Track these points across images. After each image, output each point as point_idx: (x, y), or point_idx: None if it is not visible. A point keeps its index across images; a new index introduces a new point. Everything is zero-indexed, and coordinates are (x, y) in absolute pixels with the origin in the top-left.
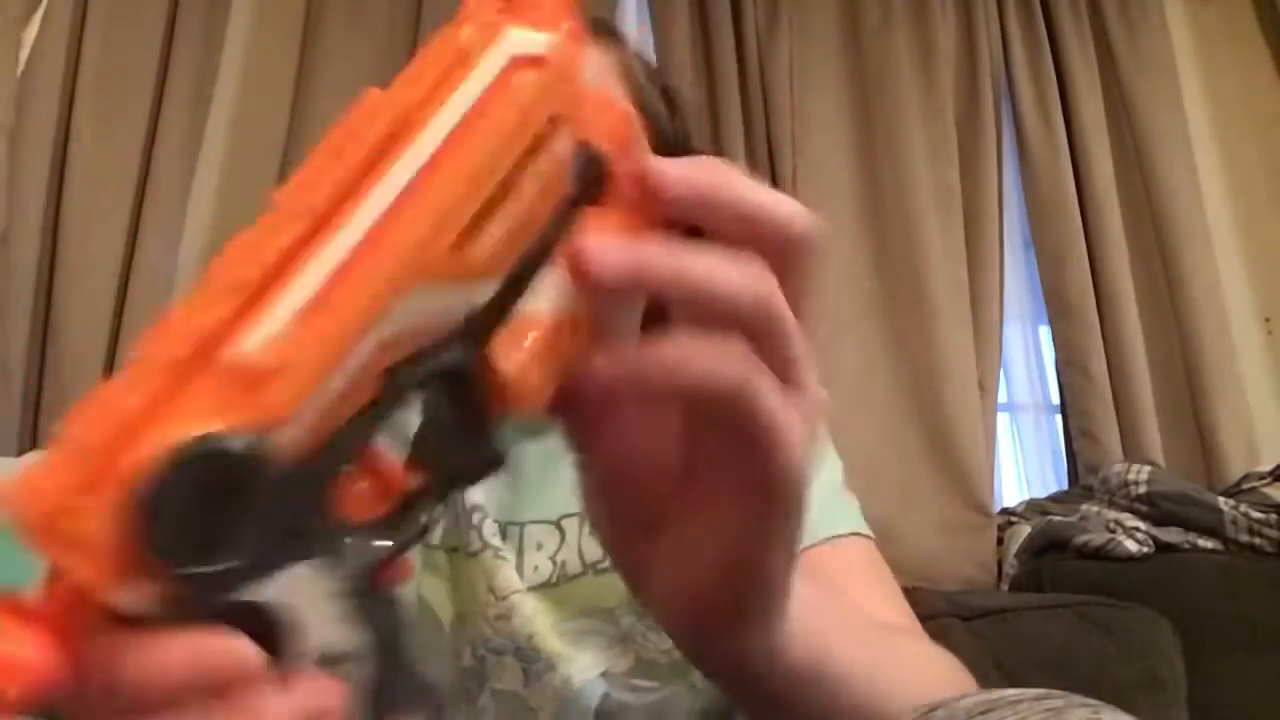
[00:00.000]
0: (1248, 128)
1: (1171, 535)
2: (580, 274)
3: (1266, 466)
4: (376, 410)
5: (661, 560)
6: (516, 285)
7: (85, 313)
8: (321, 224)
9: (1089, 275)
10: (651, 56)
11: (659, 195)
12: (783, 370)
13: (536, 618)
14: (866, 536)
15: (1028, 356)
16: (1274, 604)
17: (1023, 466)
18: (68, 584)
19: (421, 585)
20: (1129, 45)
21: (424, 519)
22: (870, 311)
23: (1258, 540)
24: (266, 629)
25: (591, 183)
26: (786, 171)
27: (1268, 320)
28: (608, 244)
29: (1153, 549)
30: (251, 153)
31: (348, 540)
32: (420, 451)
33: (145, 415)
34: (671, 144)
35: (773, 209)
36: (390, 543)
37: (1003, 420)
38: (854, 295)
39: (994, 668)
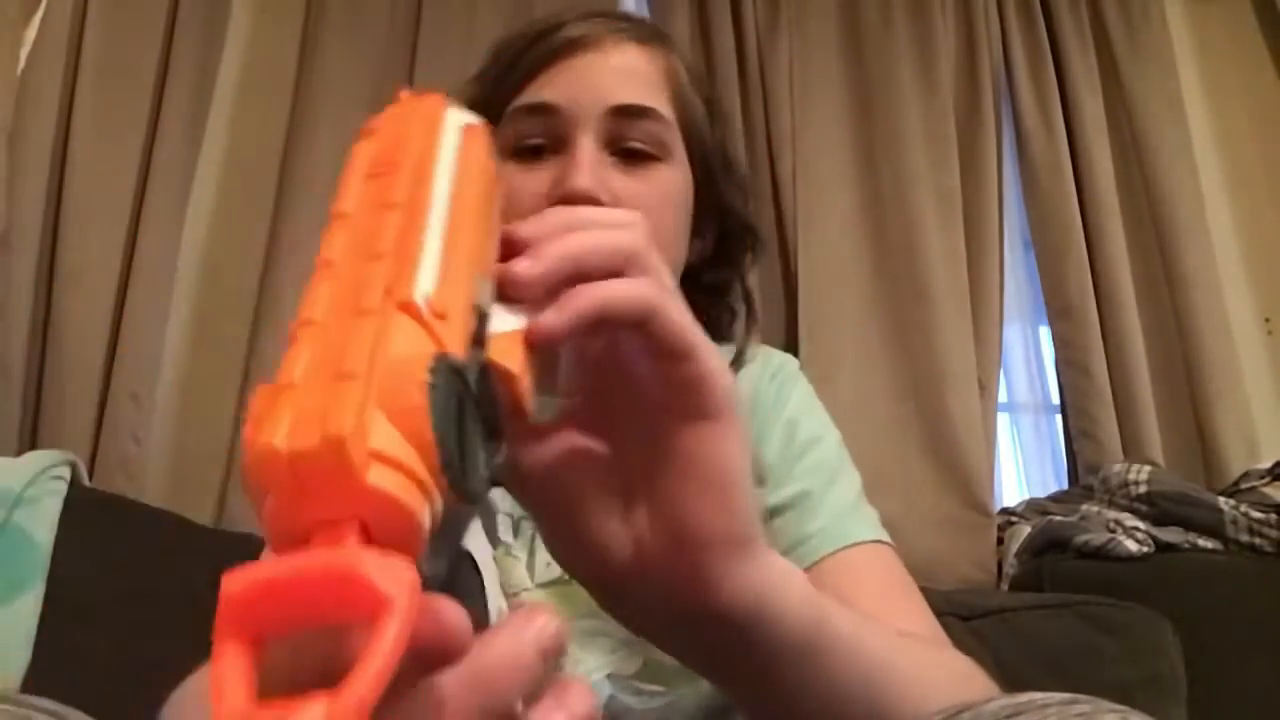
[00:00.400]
0: (1248, 128)
1: (1171, 535)
2: (508, 284)
3: (1266, 466)
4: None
5: (633, 524)
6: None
7: (85, 313)
8: (412, 213)
9: (1089, 275)
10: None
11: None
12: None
13: None
14: (887, 544)
15: (1028, 356)
16: (1274, 604)
17: (1023, 466)
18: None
19: None
20: (1129, 45)
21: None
22: (870, 311)
23: (1258, 540)
24: (466, 576)
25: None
26: (786, 171)
27: (1268, 320)
28: (557, 313)
29: (1153, 549)
30: (251, 153)
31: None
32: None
33: (371, 348)
34: (710, 151)
35: (596, 248)
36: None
37: (1003, 420)
38: (854, 295)
39: (994, 668)
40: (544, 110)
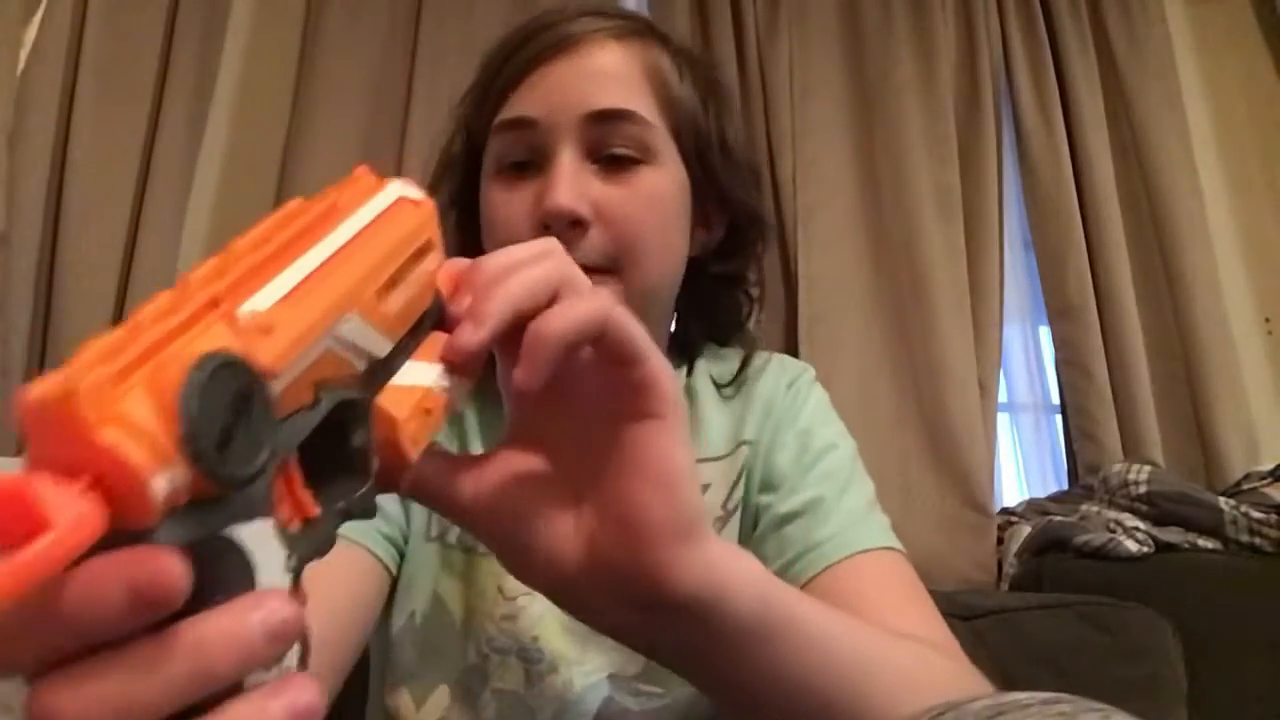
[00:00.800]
0: (1248, 128)
1: (1171, 535)
2: (453, 353)
3: (1266, 466)
4: (305, 416)
5: (582, 527)
6: (398, 354)
7: (85, 313)
8: (291, 247)
9: (1089, 275)
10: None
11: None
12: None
13: (546, 618)
14: (899, 551)
15: (1028, 356)
16: (1274, 604)
17: (1023, 466)
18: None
19: (439, 583)
20: (1129, 45)
21: (312, 544)
22: (870, 311)
23: (1258, 540)
24: (229, 569)
25: (437, 316)
26: (786, 171)
27: (1268, 320)
28: (459, 332)
29: (1153, 549)
30: (251, 152)
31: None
32: (315, 481)
33: (169, 339)
34: (706, 143)
35: (530, 289)
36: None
37: (1003, 420)
38: (854, 295)
39: (994, 668)
40: (521, 125)
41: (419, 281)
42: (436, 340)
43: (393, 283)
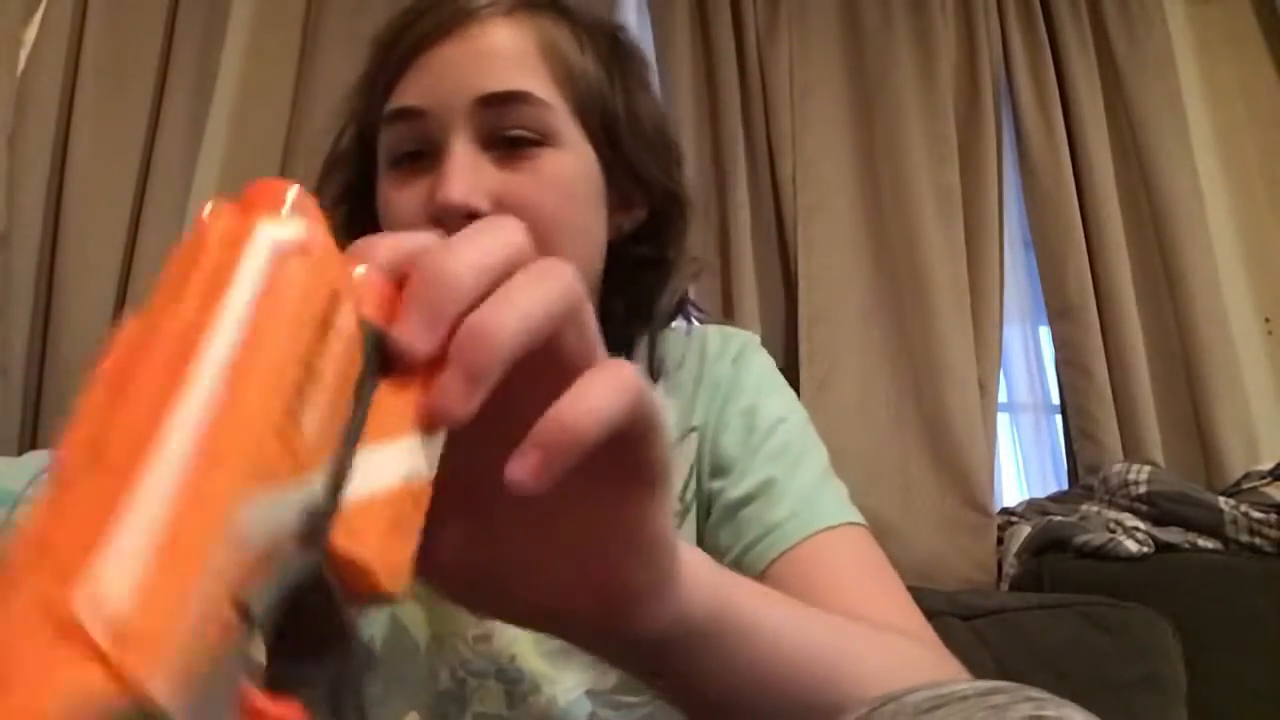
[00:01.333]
0: (1248, 128)
1: (1171, 535)
2: (438, 422)
3: (1266, 466)
4: (239, 651)
5: (553, 585)
6: (341, 470)
7: (85, 313)
8: (129, 469)
9: (1089, 275)
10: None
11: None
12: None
13: (520, 638)
14: (858, 524)
15: (1028, 356)
16: (1274, 604)
17: (1023, 466)
18: None
19: (397, 608)
20: (1129, 45)
21: None
22: (870, 311)
23: (1258, 540)
24: None
25: (379, 357)
26: (786, 171)
27: (1268, 320)
28: (444, 390)
29: (1153, 549)
30: (251, 153)
31: None
32: (287, 674)
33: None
34: (613, 119)
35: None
36: None
37: (1003, 420)
38: (854, 295)
39: (994, 668)
40: (409, 115)
41: (339, 358)
42: (396, 398)
43: (299, 393)
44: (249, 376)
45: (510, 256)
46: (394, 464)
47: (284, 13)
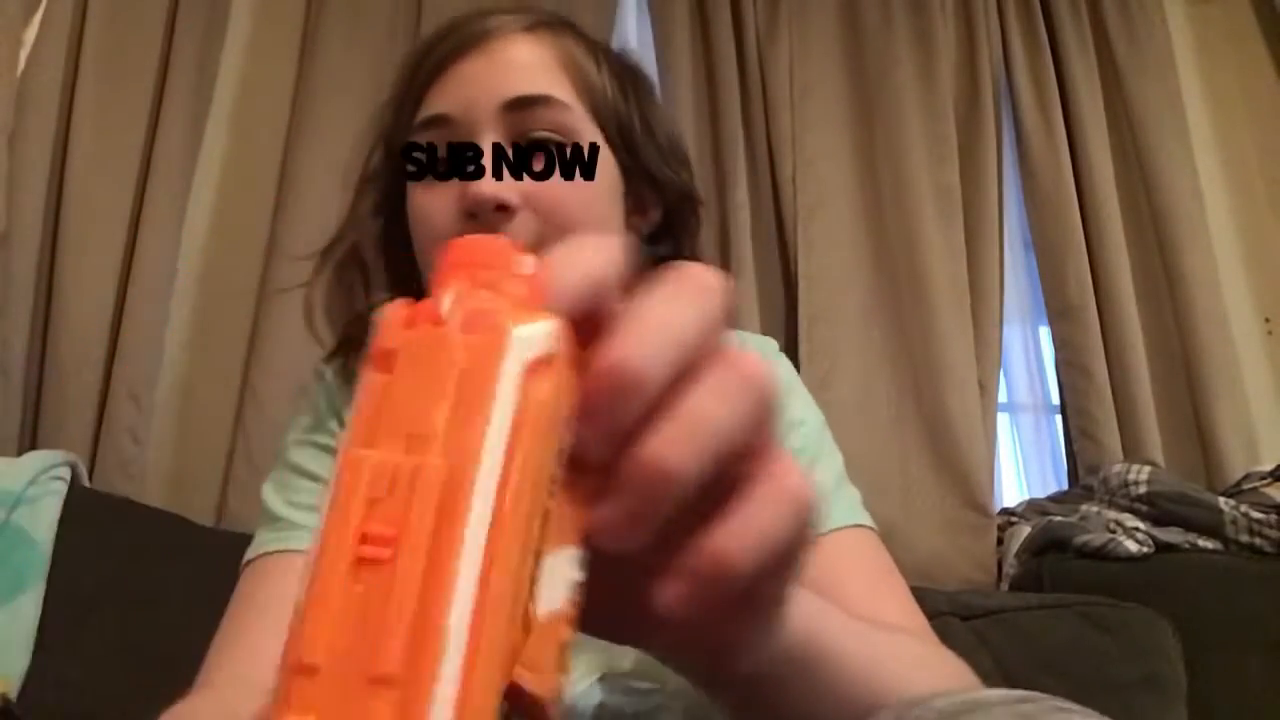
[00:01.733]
0: (1248, 128)
1: (1171, 535)
2: (606, 547)
3: (1266, 466)
4: None
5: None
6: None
7: (85, 313)
8: (428, 627)
9: (1089, 275)
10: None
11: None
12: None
13: None
14: (869, 528)
15: (1028, 356)
16: (1274, 604)
17: (1023, 466)
18: None
19: None
20: (1129, 45)
21: None
22: (870, 311)
23: (1258, 540)
24: None
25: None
26: (786, 171)
27: (1268, 320)
28: (615, 521)
29: (1153, 549)
30: (251, 153)
31: None
32: None
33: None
34: (627, 124)
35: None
36: None
37: (1003, 420)
38: (854, 295)
39: (994, 668)
40: (439, 123)
41: (557, 478)
42: (565, 504)
43: (536, 553)
44: (503, 555)
45: (694, 343)
46: (563, 580)
47: (284, 12)
